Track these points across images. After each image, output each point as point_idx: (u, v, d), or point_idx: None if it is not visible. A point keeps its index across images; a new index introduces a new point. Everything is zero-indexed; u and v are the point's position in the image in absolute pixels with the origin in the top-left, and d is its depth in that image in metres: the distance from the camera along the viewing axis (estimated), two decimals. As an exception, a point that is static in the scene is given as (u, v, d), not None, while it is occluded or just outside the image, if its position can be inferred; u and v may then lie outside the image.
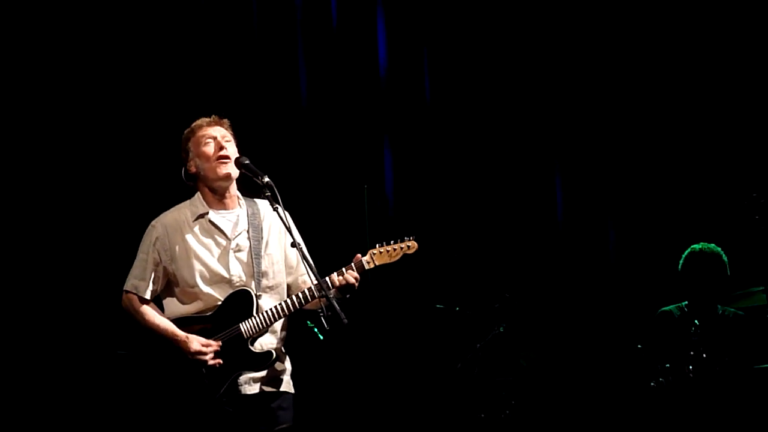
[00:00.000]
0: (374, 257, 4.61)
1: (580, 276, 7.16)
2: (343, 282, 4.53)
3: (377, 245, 4.63)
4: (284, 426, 4.60)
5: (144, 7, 6.64)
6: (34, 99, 6.40)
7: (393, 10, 7.33)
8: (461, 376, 6.66)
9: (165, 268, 4.62)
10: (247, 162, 4.62)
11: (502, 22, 7.33)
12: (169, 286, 4.65)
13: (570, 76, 7.28)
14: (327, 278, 4.53)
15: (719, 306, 5.91)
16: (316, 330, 5.42)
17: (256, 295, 4.56)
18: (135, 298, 4.62)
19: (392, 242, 4.64)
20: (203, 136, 4.67)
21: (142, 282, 4.62)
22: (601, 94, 7.26)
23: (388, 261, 4.64)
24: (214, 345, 4.50)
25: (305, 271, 4.59)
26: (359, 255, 4.61)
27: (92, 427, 6.10)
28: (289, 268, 4.74)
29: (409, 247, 4.65)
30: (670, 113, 7.14)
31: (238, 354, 4.52)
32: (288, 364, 4.72)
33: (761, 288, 5.66)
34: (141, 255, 4.66)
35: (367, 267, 4.60)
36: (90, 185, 6.47)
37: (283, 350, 4.72)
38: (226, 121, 4.76)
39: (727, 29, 7.05)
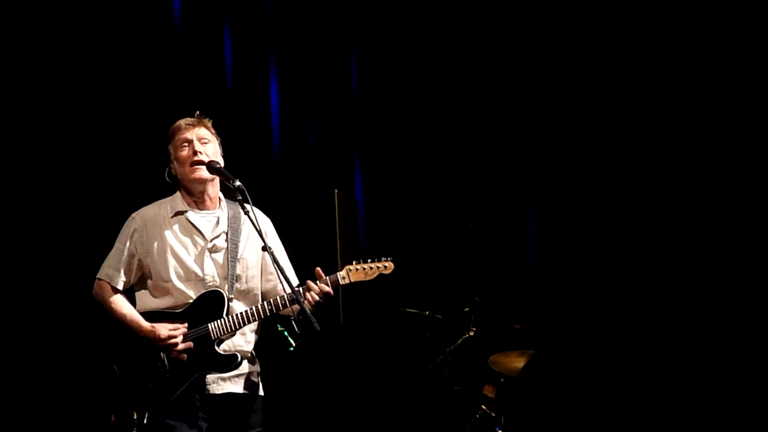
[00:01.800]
0: (350, 273, 4.62)
1: (551, 278, 7.18)
2: (314, 297, 4.53)
3: (354, 262, 4.64)
4: (255, 431, 4.60)
5: (131, 14, 6.68)
6: (16, 96, 6.43)
7: (365, 43, 7.38)
8: (431, 380, 6.68)
9: (140, 261, 4.61)
10: (219, 166, 4.62)
11: (467, 45, 7.36)
12: (142, 279, 4.64)
13: (531, 93, 7.31)
14: (300, 288, 4.53)
15: None
16: (286, 334, 5.42)
17: (228, 297, 4.56)
18: (107, 286, 4.61)
19: (369, 260, 4.65)
20: (180, 139, 4.66)
21: (116, 272, 4.61)
22: (563, 110, 7.29)
23: (363, 279, 4.64)
24: (182, 328, 4.49)
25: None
26: (318, 268, 4.60)
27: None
28: (267, 274, 4.73)
29: (386, 267, 4.66)
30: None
31: (203, 354, 4.50)
32: (258, 366, 4.71)
33: None
34: (118, 245, 4.65)
35: (342, 282, 4.61)
36: (71, 177, 6.50)
37: (253, 353, 4.70)
38: (206, 120, 4.74)
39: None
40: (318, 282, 4.55)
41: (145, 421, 4.52)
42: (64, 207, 6.63)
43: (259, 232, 4.45)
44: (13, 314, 6.40)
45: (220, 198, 4.74)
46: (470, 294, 6.73)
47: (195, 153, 4.61)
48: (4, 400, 6.21)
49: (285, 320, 4.70)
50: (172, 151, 4.69)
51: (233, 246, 4.63)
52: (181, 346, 4.47)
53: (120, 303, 4.59)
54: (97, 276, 4.66)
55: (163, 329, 4.48)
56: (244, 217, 4.67)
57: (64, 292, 6.45)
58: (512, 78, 7.33)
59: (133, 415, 5.32)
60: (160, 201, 4.74)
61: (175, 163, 4.67)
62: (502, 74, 7.35)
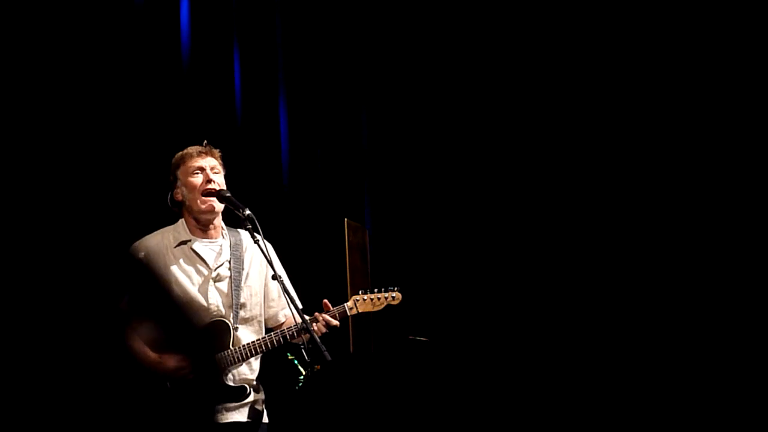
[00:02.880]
0: (357, 304, 4.64)
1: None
2: (321, 329, 4.54)
3: (361, 292, 4.66)
4: None
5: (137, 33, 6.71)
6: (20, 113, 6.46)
7: (375, 76, 7.43)
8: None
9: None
10: (229, 195, 4.63)
11: (473, 73, 7.38)
12: None
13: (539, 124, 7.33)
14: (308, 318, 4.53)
15: None
16: (296, 362, 5.42)
17: (233, 327, 4.56)
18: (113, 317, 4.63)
19: (377, 291, 4.67)
20: (192, 166, 4.68)
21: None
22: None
23: (371, 309, 4.68)
24: (188, 362, 4.50)
25: (285, 305, 4.63)
26: (326, 300, 4.60)
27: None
28: (270, 301, 4.75)
29: (393, 297, 4.69)
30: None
31: (211, 385, 4.52)
32: (262, 394, 4.72)
33: None
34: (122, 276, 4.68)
35: (349, 313, 4.63)
36: (75, 206, 6.52)
37: (258, 381, 4.71)
38: (216, 151, 4.77)
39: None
40: (325, 313, 4.55)
41: None
42: (70, 235, 6.64)
43: (270, 262, 4.46)
44: (21, 340, 6.40)
45: (222, 226, 4.75)
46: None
47: (208, 182, 4.64)
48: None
49: (295, 349, 4.71)
50: (181, 176, 4.70)
51: (236, 274, 4.64)
52: (190, 372, 4.47)
53: (126, 335, 4.60)
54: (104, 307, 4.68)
55: (171, 360, 4.49)
56: (245, 244, 4.71)
57: (69, 317, 6.45)
58: (522, 107, 7.34)
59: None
60: (162, 230, 4.75)
61: (183, 188, 4.68)
62: (507, 103, 7.36)
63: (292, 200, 7.11)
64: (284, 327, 4.61)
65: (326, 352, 4.20)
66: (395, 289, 4.69)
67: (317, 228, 7.08)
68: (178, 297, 4.57)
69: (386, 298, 4.67)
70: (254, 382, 4.67)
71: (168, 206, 4.75)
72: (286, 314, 4.70)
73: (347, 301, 4.68)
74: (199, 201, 4.63)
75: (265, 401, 4.72)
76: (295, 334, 4.50)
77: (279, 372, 4.95)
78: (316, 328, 4.51)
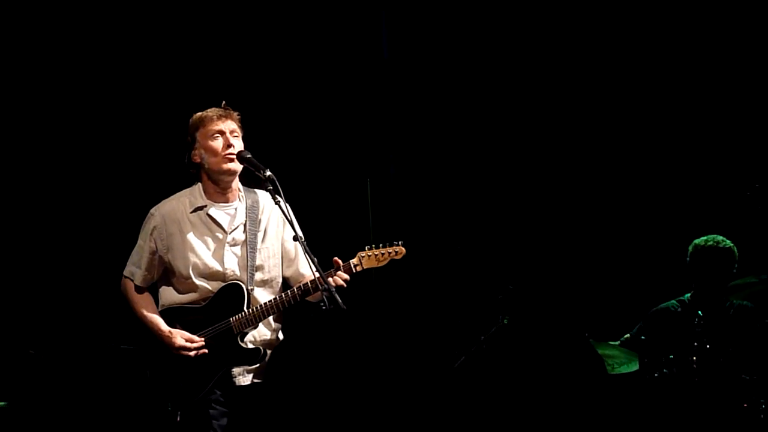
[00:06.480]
0: (362, 260, 4.59)
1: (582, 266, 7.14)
2: (336, 283, 4.53)
3: (366, 248, 4.61)
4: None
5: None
6: (35, 85, 6.46)
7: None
8: (464, 369, 6.65)
9: (161, 257, 4.66)
10: (249, 156, 4.62)
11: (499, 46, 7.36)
12: (166, 274, 4.69)
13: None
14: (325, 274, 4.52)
15: (729, 297, 5.88)
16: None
17: (248, 289, 4.58)
18: (130, 284, 4.69)
19: (381, 246, 4.61)
20: (212, 129, 4.66)
21: (138, 269, 4.68)
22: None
23: (375, 265, 4.61)
24: (198, 341, 4.54)
25: (304, 265, 4.63)
26: (337, 258, 4.58)
27: (89, 420, 6.15)
28: (288, 261, 4.75)
29: (396, 252, 4.62)
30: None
31: (227, 349, 4.55)
32: (283, 354, 4.69)
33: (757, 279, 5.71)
34: (139, 242, 4.72)
35: (355, 270, 4.59)
36: (94, 170, 6.54)
37: (277, 341, 4.72)
38: (236, 114, 4.75)
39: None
40: (334, 272, 4.54)
41: (178, 419, 4.54)
42: (90, 198, 6.67)
43: (291, 223, 4.46)
44: (43, 309, 6.47)
45: (239, 188, 4.75)
46: (504, 282, 6.71)
47: (229, 146, 4.63)
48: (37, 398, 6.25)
49: (316, 310, 4.70)
50: (199, 138, 4.67)
51: (252, 236, 4.64)
52: (194, 353, 4.51)
53: (142, 302, 4.67)
54: (123, 272, 4.73)
55: (179, 338, 4.54)
56: (262, 205, 4.71)
57: (92, 285, 6.49)
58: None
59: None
60: (178, 194, 4.76)
61: (202, 151, 4.67)
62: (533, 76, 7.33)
63: (316, 161, 7.09)
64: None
65: (343, 306, 4.20)
66: (399, 243, 4.63)
67: (340, 189, 7.07)
68: (194, 263, 4.59)
69: (389, 253, 4.61)
70: (275, 343, 4.68)
71: (184, 168, 4.75)
72: (304, 274, 4.70)
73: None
74: (221, 162, 4.61)
75: (286, 361, 4.72)
76: (311, 291, 4.49)
77: (300, 333, 4.96)
78: (330, 281, 4.49)
